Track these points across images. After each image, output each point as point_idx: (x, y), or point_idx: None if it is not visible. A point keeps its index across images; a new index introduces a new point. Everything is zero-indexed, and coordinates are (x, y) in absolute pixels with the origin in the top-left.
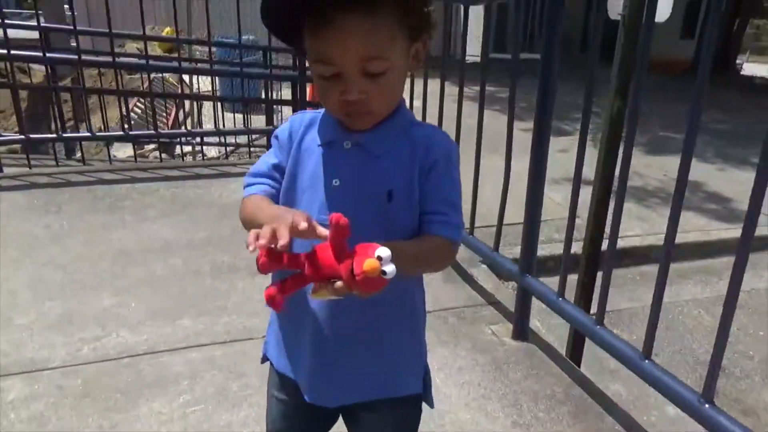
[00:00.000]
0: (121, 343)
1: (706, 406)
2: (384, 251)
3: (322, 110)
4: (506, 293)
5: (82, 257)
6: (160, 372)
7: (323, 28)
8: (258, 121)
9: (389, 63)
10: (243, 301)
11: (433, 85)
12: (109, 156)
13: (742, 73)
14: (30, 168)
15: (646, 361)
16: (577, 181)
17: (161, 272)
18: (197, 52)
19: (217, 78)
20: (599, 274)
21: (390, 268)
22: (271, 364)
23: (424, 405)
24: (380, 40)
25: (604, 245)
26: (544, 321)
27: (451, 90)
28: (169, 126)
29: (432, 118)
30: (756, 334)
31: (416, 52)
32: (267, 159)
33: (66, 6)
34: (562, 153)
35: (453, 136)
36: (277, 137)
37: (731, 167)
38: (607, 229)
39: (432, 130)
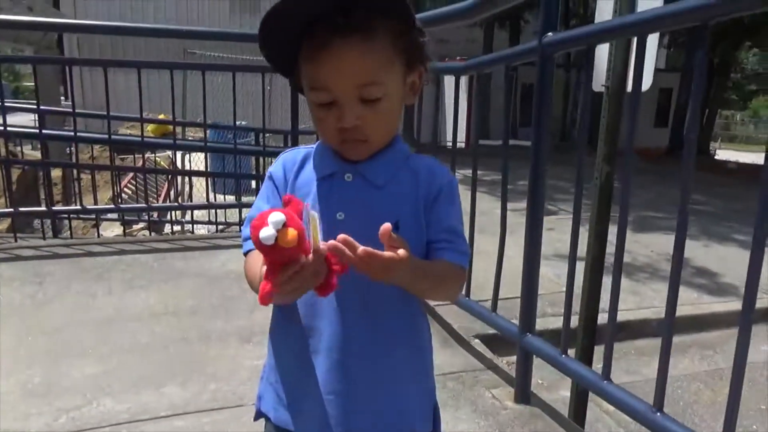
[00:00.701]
0: (102, 413)
1: None
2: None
3: (314, 145)
4: (501, 362)
5: (66, 325)
6: None
7: (320, 53)
8: (249, 202)
9: (385, 89)
10: (233, 368)
11: None
12: (98, 234)
13: (716, 158)
14: (16, 241)
15: (658, 414)
16: (575, 243)
17: (147, 340)
18: (190, 137)
19: (209, 160)
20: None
21: (264, 233)
22: (268, 420)
23: None
24: (377, 66)
25: (601, 318)
26: (540, 388)
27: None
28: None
29: None
30: (757, 407)
31: (413, 84)
32: (260, 205)
33: (62, 98)
34: (549, 231)
35: None
36: (271, 177)
37: (715, 243)
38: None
39: (432, 161)
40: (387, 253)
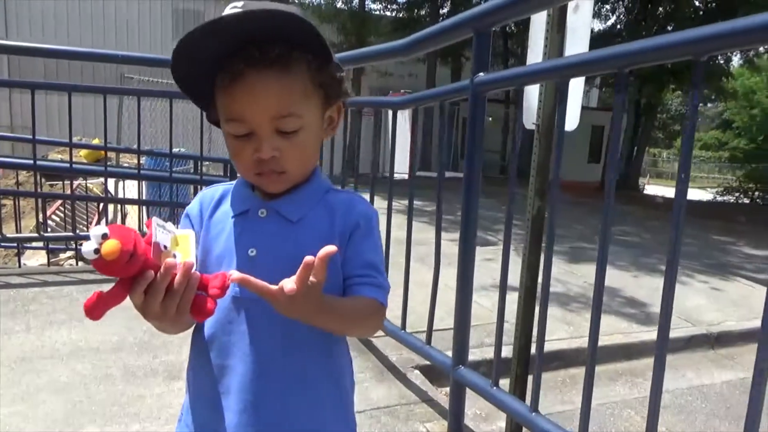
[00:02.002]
0: None
1: None
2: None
3: (233, 183)
4: (439, 394)
5: None
6: None
7: (236, 85)
8: None
9: (302, 121)
10: (159, 407)
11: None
12: (20, 264)
13: (645, 193)
14: None
15: None
16: (505, 275)
17: (66, 379)
18: (126, 164)
19: (146, 188)
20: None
21: (85, 248)
22: None
23: None
24: (293, 98)
25: (533, 347)
26: (478, 427)
27: (379, 204)
28: None
29: None
30: None
31: (330, 119)
32: None
33: None
34: (487, 261)
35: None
36: (188, 215)
37: (644, 274)
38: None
39: (350, 195)
40: (274, 290)
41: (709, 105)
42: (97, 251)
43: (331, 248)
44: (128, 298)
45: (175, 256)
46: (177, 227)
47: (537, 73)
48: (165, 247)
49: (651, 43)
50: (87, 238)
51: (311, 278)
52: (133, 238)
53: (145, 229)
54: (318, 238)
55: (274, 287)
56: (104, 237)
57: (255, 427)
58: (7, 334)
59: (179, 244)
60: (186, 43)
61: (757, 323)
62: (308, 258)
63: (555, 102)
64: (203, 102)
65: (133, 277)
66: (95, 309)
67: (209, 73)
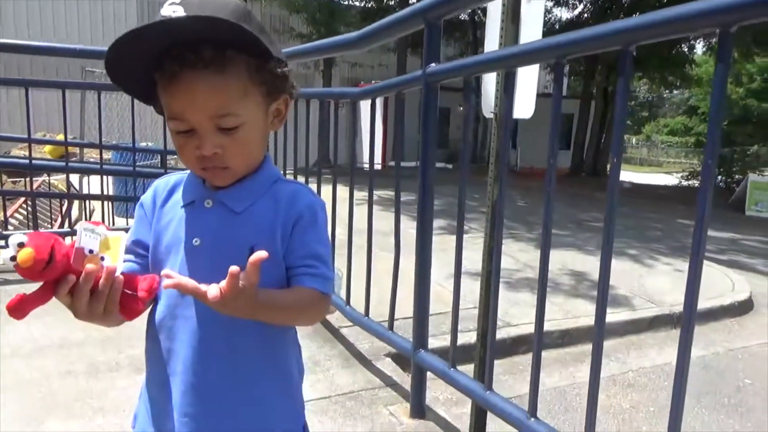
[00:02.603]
0: None
1: None
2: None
3: (188, 172)
4: (407, 378)
5: None
6: None
7: (172, 85)
8: None
9: (242, 119)
10: (123, 400)
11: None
12: None
13: None
14: None
15: (532, 419)
16: (459, 259)
17: (28, 376)
18: (92, 159)
19: (110, 184)
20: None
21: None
22: None
23: None
24: (230, 98)
25: (502, 332)
26: (449, 411)
27: (347, 193)
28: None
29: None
30: (647, 410)
31: (278, 112)
32: (130, 236)
33: None
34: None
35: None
36: (142, 204)
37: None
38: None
39: (296, 187)
40: (202, 291)
41: (675, 92)
42: (13, 258)
43: (262, 254)
44: None
45: (103, 258)
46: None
47: (484, 63)
48: (91, 251)
49: (584, 33)
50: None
51: (241, 282)
52: (51, 246)
53: (108, 223)
54: (260, 230)
55: (202, 288)
56: (20, 245)
57: (196, 406)
58: None
59: (110, 247)
60: (116, 51)
61: (716, 302)
62: (233, 268)
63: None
64: (147, 96)
65: (56, 280)
66: (17, 310)
67: (148, 71)
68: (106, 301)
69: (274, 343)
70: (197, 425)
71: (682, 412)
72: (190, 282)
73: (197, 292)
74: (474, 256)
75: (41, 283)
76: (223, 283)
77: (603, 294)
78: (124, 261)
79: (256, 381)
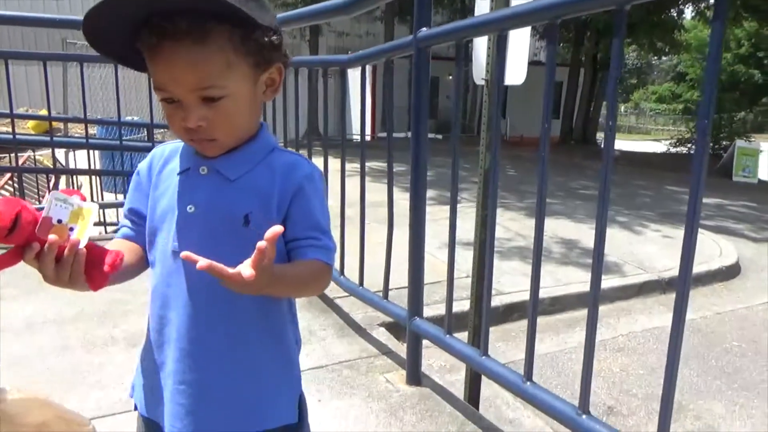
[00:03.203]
0: None
1: (583, 416)
2: None
3: None
4: (403, 348)
5: None
6: None
7: (153, 56)
8: None
9: (226, 90)
10: (121, 374)
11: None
12: None
13: (602, 146)
14: None
15: (528, 383)
16: (453, 227)
17: (22, 352)
18: (77, 134)
19: (97, 159)
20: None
21: None
22: (137, 409)
23: None
24: (212, 70)
25: (492, 302)
26: (443, 378)
27: (337, 165)
28: None
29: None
30: (636, 373)
31: (271, 81)
32: (126, 203)
33: None
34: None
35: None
36: (138, 173)
37: None
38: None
39: (293, 157)
40: (231, 273)
41: (663, 58)
42: None
43: (278, 228)
44: None
45: (72, 229)
46: (87, 200)
47: (477, 25)
48: (59, 221)
49: None
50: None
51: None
52: (15, 213)
53: (96, 198)
54: (255, 198)
55: (231, 270)
56: None
57: (191, 373)
58: None
59: (83, 218)
60: (91, 20)
61: (704, 267)
62: (261, 243)
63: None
64: (138, 65)
65: (23, 246)
66: None
67: (132, 41)
68: (71, 270)
69: (269, 311)
70: (193, 392)
71: (676, 378)
72: (217, 265)
73: (224, 273)
74: (465, 226)
75: (12, 246)
76: (249, 262)
77: (598, 260)
78: (121, 227)
79: (252, 349)
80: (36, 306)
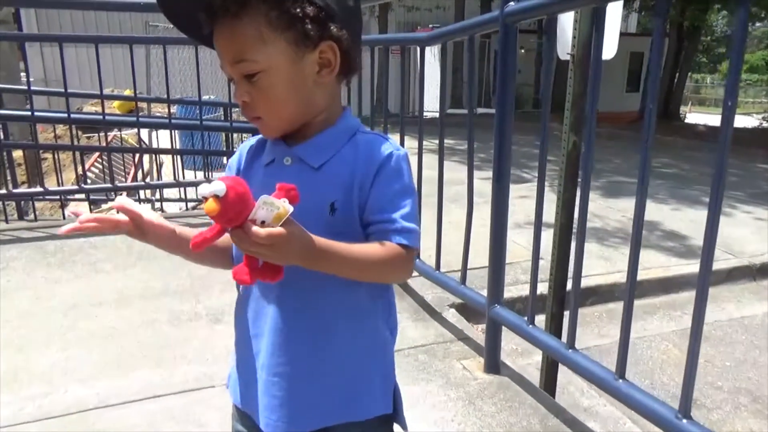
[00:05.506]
0: (69, 399)
1: (684, 421)
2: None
3: None
4: (476, 331)
5: (30, 312)
6: (113, 426)
7: (212, 34)
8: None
9: (259, 65)
10: (203, 349)
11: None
12: (64, 216)
13: (686, 121)
14: None
15: (620, 380)
16: (539, 212)
17: (114, 324)
18: (158, 113)
19: (177, 137)
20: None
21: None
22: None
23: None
24: (245, 44)
25: (570, 284)
26: (515, 362)
27: (411, 143)
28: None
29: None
30: (723, 365)
31: (327, 62)
32: None
33: (23, 73)
34: (522, 199)
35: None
36: (229, 168)
37: (685, 207)
38: (571, 265)
39: (374, 137)
40: (255, 230)
41: (757, 24)
42: (205, 199)
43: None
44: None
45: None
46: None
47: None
48: (263, 222)
49: None
50: (125, 188)
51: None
52: (237, 212)
53: (177, 176)
54: (340, 184)
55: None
56: (216, 197)
57: (285, 366)
58: (58, 282)
59: (281, 217)
60: (165, 4)
61: None
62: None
63: (591, 30)
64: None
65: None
66: (198, 246)
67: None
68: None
69: (359, 301)
70: (288, 385)
71: None
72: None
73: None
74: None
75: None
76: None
77: (708, 256)
78: None
79: (343, 339)
80: (126, 280)
